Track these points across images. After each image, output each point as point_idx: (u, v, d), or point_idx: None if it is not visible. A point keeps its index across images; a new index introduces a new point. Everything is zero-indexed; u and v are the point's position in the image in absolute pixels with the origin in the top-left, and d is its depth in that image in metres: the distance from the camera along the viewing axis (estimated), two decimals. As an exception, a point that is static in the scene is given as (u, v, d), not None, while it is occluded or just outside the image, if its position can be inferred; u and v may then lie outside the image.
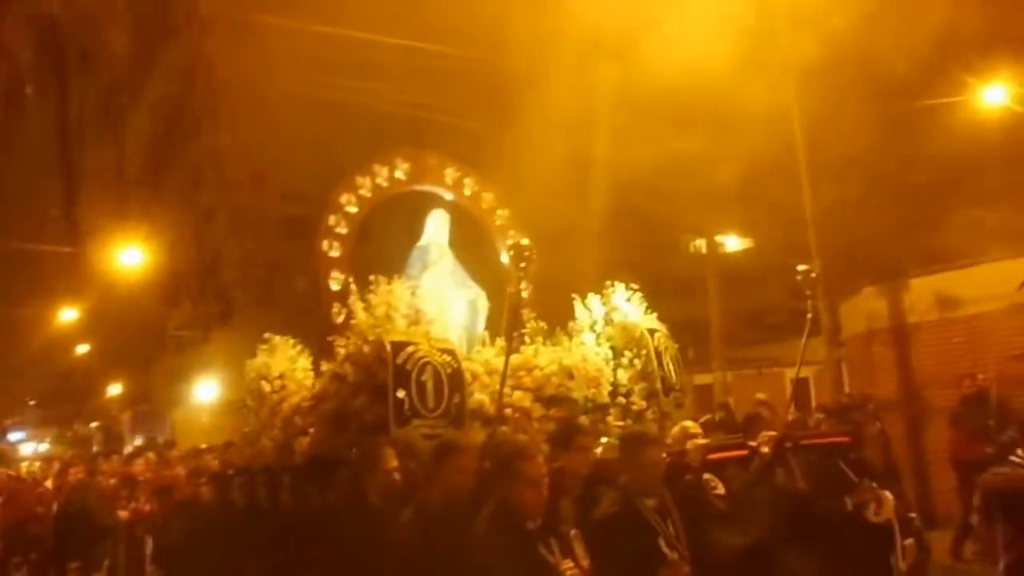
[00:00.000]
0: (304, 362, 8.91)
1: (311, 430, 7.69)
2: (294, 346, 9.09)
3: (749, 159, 15.05)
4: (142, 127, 32.63)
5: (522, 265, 5.85)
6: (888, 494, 5.42)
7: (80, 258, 27.10)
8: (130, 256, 24.61)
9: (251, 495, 7.49)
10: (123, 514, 11.30)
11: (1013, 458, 5.57)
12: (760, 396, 13.42)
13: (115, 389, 36.10)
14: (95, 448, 23.98)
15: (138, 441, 25.14)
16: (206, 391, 24.56)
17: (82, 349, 35.77)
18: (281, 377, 8.76)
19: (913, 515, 5.52)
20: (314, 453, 7.18)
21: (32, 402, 36.94)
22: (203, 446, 13.15)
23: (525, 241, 6.19)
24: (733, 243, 26.08)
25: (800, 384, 17.54)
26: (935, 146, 14.53)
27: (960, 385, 11.09)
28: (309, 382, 8.58)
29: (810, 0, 13.00)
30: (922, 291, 13.05)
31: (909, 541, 5.50)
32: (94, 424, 35.36)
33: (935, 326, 12.74)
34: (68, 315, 30.73)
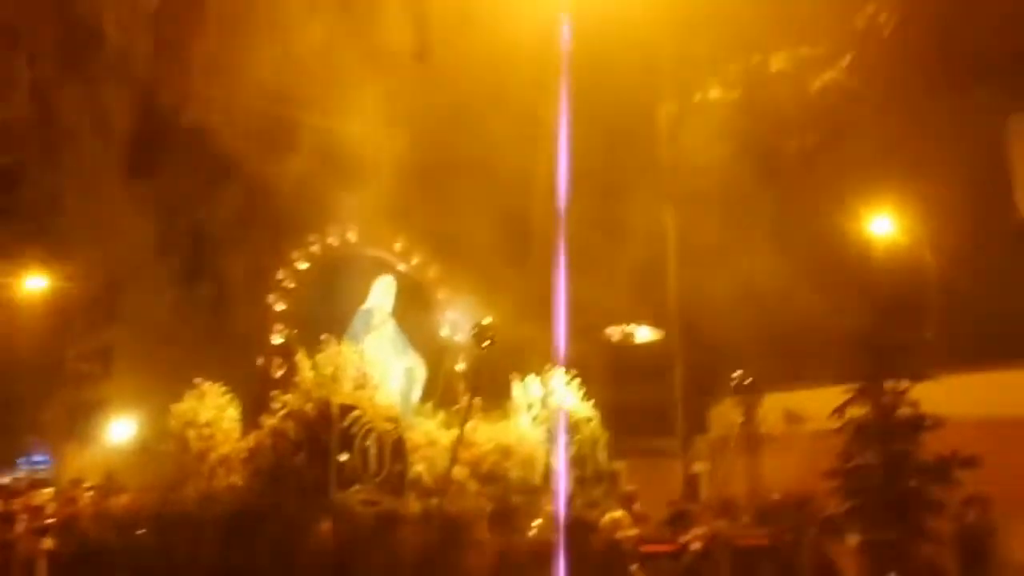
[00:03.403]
0: (232, 412, 8.80)
1: (239, 482, 7.57)
2: (223, 394, 8.98)
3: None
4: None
5: (485, 344, 6.00)
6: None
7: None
8: (32, 282, 23.74)
9: (166, 545, 7.29)
10: None
11: None
12: (628, 488, 13.80)
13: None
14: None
15: (21, 472, 23.90)
16: (106, 429, 23.60)
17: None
18: (208, 425, 8.62)
19: None
20: (242, 506, 7.07)
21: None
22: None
23: (487, 321, 6.33)
24: (644, 334, 26.51)
25: (693, 479, 18.21)
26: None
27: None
28: (235, 433, 8.46)
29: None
30: (774, 405, 13.82)
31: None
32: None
33: (781, 439, 13.51)
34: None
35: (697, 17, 12.13)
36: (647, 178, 14.22)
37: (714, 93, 13.31)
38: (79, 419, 26.67)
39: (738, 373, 7.14)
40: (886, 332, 6.52)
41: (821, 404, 6.57)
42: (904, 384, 6.29)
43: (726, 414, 14.67)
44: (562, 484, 7.83)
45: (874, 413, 6.28)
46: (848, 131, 13.08)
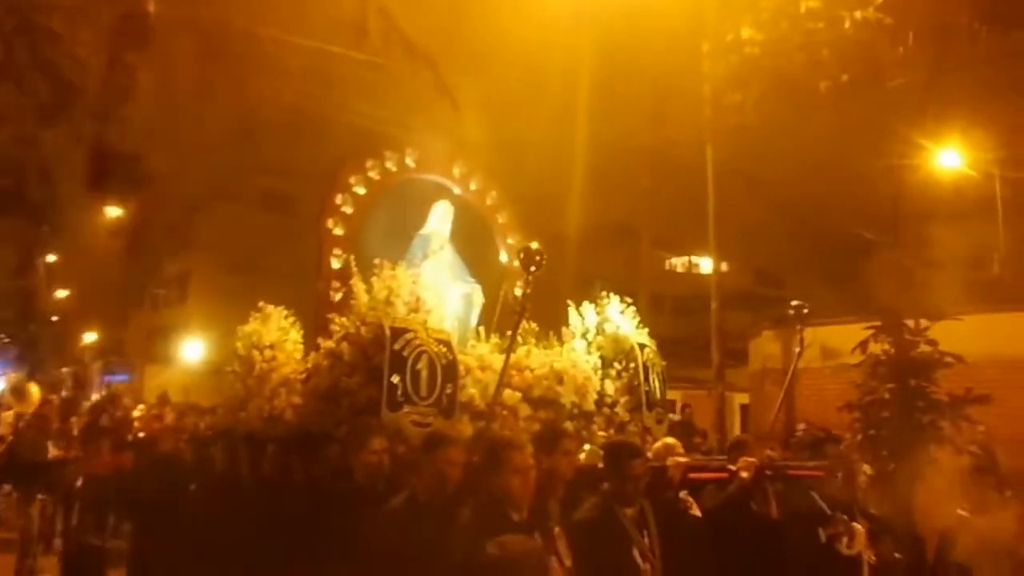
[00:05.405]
0: (295, 335, 8.98)
1: (299, 403, 7.77)
2: (286, 317, 9.16)
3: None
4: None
5: (532, 268, 5.96)
6: (860, 528, 5.55)
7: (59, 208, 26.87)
8: (111, 209, 24.64)
9: (233, 460, 7.54)
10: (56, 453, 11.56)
11: None
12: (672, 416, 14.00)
13: (89, 337, 36.03)
14: (64, 392, 23.87)
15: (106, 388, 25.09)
16: (183, 350, 24.58)
17: (61, 294, 35.92)
18: (272, 347, 8.83)
19: (898, 555, 5.62)
20: (302, 426, 7.27)
21: (6, 339, 36.69)
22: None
23: (535, 245, 6.28)
24: (708, 265, 26.55)
25: (744, 409, 18.45)
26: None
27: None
28: (299, 355, 8.66)
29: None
30: (810, 340, 13.74)
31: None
32: (65, 369, 35.27)
33: (815, 372, 13.38)
34: (49, 259, 30.75)
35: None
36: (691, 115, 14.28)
37: (746, 32, 13.19)
38: (158, 341, 27.74)
39: (796, 303, 7.03)
40: (913, 269, 6.44)
41: (848, 339, 6.61)
42: (924, 322, 6.27)
43: (764, 346, 14.81)
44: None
45: (894, 349, 6.29)
46: (884, 69, 12.88)
